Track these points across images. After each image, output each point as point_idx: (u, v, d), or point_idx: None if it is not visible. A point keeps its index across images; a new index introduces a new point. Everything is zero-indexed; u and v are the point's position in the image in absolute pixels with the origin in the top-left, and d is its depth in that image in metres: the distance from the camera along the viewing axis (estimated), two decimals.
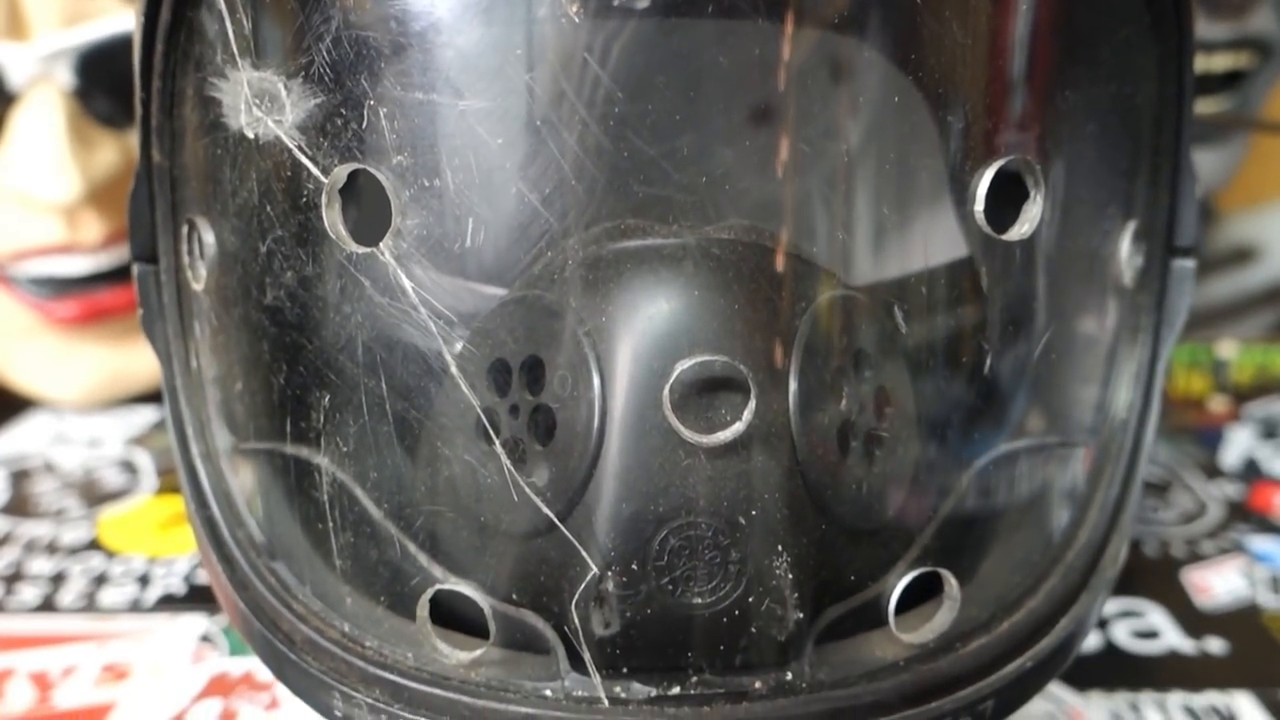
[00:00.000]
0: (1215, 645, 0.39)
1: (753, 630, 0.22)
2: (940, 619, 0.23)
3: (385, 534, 0.24)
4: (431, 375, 0.23)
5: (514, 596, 0.23)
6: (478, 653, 0.23)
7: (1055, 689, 0.37)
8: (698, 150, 0.21)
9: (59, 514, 0.50)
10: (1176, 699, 0.37)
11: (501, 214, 0.22)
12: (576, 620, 0.21)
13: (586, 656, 0.22)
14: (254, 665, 0.39)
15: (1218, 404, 0.60)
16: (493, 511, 0.22)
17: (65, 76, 0.52)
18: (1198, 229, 0.27)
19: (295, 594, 0.25)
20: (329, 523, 0.24)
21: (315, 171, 0.22)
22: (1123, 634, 0.40)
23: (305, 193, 0.23)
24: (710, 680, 0.22)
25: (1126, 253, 0.27)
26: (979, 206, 0.22)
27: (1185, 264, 0.27)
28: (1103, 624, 0.40)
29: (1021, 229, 0.24)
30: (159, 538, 0.47)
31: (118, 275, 0.57)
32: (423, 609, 0.23)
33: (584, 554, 0.21)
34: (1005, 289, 0.25)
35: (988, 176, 0.22)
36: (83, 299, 0.56)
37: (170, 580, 0.44)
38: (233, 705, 0.37)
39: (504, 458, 0.22)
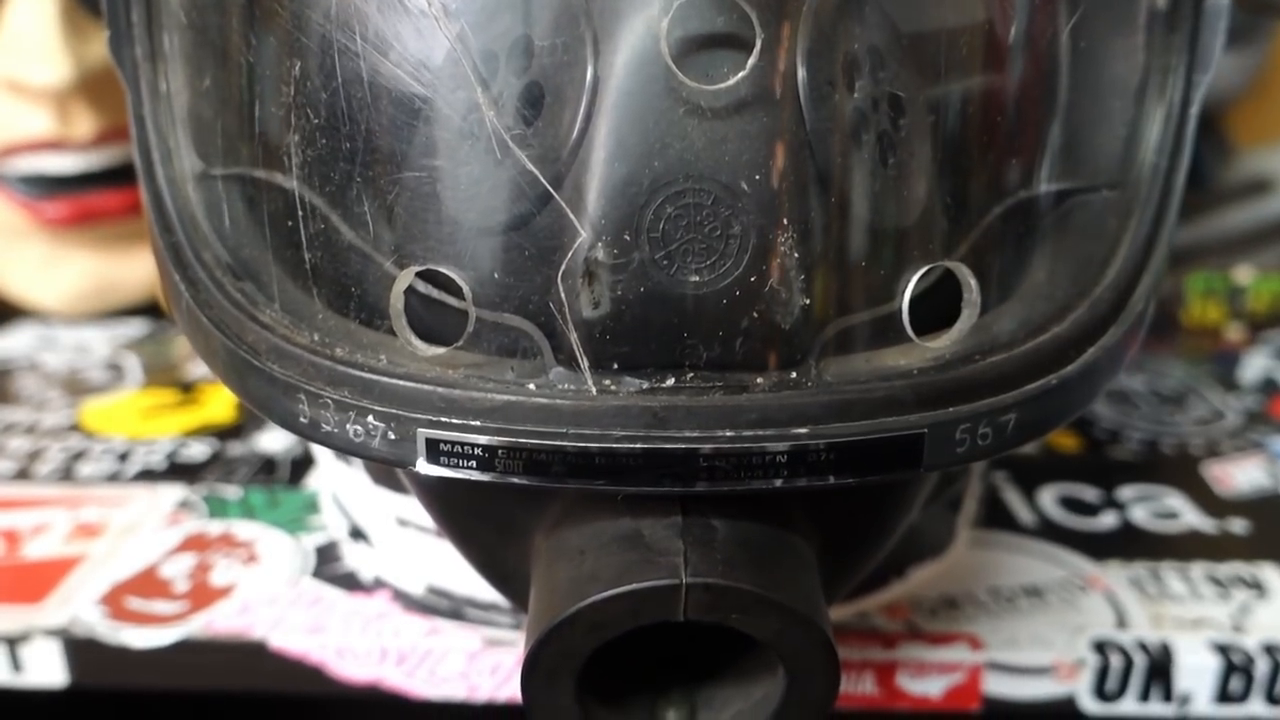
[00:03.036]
0: (1237, 525, 0.38)
1: (754, 314, 0.20)
2: (959, 325, 0.22)
3: (355, 236, 0.22)
4: (408, 18, 0.21)
5: (496, 300, 0.21)
6: (456, 345, 0.21)
7: (1070, 557, 0.36)
8: None
9: (41, 404, 0.48)
10: (1199, 569, 0.35)
11: None
12: (563, 296, 0.20)
13: (573, 338, 0.20)
14: (233, 526, 0.37)
15: (1234, 331, 0.58)
16: (474, 195, 0.21)
17: None
18: None
19: (263, 309, 0.23)
20: (298, 226, 0.23)
21: None
22: (1141, 515, 0.38)
23: None
24: (708, 375, 0.20)
25: None
26: None
27: (1218, 1, 0.26)
28: (1119, 506, 0.39)
29: None
30: (141, 423, 0.46)
31: (109, 177, 0.56)
32: (397, 300, 0.21)
33: (573, 220, 0.19)
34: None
35: None
36: (73, 200, 0.55)
37: (151, 458, 0.43)
38: (208, 559, 0.35)
39: (489, 115, 0.20)
